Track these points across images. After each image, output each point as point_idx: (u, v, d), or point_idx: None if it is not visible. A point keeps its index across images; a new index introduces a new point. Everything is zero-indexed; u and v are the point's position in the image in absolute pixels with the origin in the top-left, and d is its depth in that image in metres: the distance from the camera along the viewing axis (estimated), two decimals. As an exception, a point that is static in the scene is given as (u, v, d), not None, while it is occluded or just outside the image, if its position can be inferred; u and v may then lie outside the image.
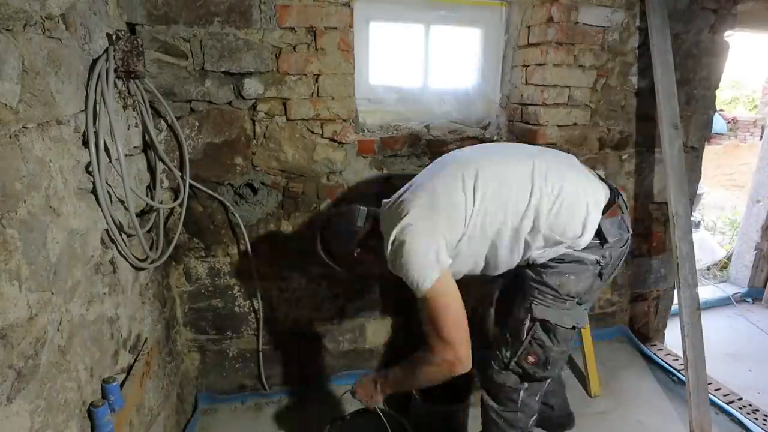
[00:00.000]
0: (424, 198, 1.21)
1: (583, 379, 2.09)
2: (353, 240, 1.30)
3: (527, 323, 1.26)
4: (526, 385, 1.33)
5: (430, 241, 1.16)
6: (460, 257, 1.24)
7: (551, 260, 1.25)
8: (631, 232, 1.29)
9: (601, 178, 1.33)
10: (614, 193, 1.29)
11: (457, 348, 1.16)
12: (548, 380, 1.36)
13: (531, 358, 1.28)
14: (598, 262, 1.22)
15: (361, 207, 1.34)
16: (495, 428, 1.39)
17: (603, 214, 1.22)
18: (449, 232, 1.18)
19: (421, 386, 1.29)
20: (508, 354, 1.31)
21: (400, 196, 1.28)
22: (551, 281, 1.23)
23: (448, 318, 1.16)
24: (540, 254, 1.24)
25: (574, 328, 1.26)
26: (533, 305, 1.25)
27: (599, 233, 1.21)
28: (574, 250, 1.23)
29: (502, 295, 1.68)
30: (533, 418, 1.39)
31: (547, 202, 1.18)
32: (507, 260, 1.27)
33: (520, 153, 1.32)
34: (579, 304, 1.25)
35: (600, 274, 1.24)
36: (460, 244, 1.20)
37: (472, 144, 1.98)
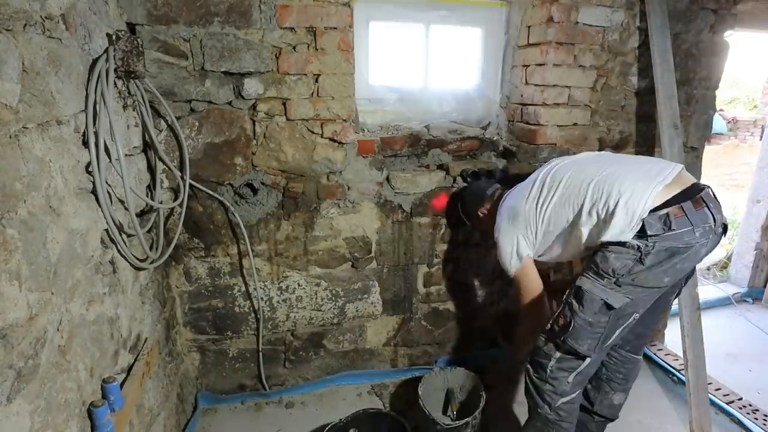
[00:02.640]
0: (514, 201, 1.58)
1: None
2: (480, 203, 1.77)
3: (569, 290, 1.39)
4: (558, 354, 1.37)
5: (511, 239, 1.55)
6: (541, 247, 1.56)
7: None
8: (700, 231, 1.26)
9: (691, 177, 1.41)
10: (693, 189, 1.31)
11: (534, 304, 1.55)
12: (582, 361, 1.36)
13: (561, 320, 1.36)
14: (638, 248, 1.26)
15: (495, 185, 1.80)
16: (527, 392, 1.50)
17: (664, 207, 1.26)
18: (525, 231, 1.53)
19: (530, 341, 1.53)
20: (550, 323, 1.42)
21: (509, 192, 1.66)
22: (596, 257, 1.34)
23: (527, 293, 1.56)
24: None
25: (602, 301, 1.29)
26: (579, 278, 1.37)
27: (643, 228, 1.26)
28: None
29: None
30: (562, 399, 1.40)
31: (598, 209, 1.35)
32: (574, 252, 1.52)
33: (601, 162, 1.49)
34: (617, 284, 1.29)
35: (641, 260, 1.27)
36: (537, 239, 1.53)
37: (472, 144, 1.98)
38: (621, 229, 1.28)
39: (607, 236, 1.30)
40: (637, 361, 1.62)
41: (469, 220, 1.85)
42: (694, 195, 1.29)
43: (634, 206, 1.27)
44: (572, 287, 1.37)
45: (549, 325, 1.40)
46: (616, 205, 1.29)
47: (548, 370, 1.39)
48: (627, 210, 1.28)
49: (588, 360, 1.35)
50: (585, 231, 1.39)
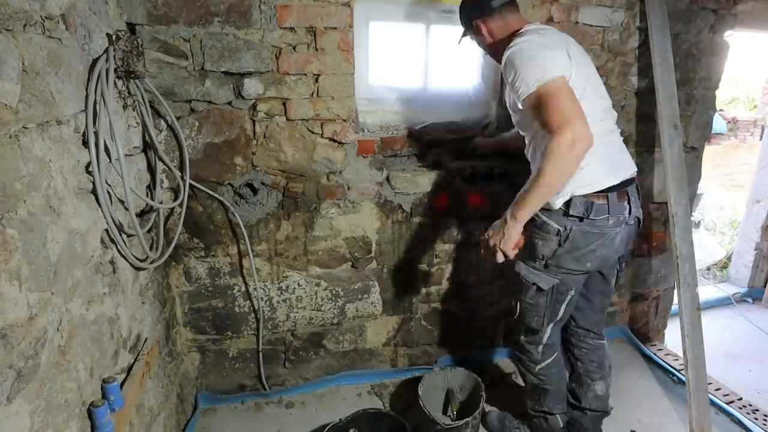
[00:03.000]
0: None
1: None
2: (477, 14, 1.48)
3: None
4: (522, 330, 1.58)
5: (543, 50, 1.27)
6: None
7: (531, 221, 1.38)
8: (614, 219, 1.37)
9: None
10: (627, 182, 1.41)
11: (575, 124, 1.19)
12: (539, 335, 1.55)
13: (513, 302, 1.57)
14: (558, 231, 1.38)
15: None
16: (517, 366, 1.71)
17: (588, 193, 1.34)
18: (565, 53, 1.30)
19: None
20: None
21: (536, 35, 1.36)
22: (532, 242, 1.44)
23: (561, 103, 1.21)
24: None
25: (534, 285, 1.46)
26: (518, 261, 1.49)
27: (568, 204, 1.36)
28: (543, 212, 1.39)
29: None
30: (538, 365, 1.59)
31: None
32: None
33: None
34: (546, 266, 1.43)
35: (560, 243, 1.39)
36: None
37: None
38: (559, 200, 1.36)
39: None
40: (603, 344, 1.70)
41: (464, 26, 1.57)
42: (622, 187, 1.39)
43: (583, 180, 1.33)
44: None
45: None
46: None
47: (521, 344, 1.60)
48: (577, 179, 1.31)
49: (545, 332, 1.54)
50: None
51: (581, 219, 1.35)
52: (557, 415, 1.64)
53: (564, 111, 1.20)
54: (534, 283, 1.45)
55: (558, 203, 1.37)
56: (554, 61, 1.26)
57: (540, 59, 1.25)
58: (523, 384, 1.72)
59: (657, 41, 1.87)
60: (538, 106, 1.24)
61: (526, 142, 1.51)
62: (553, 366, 1.60)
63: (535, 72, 1.24)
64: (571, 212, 1.35)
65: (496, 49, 1.46)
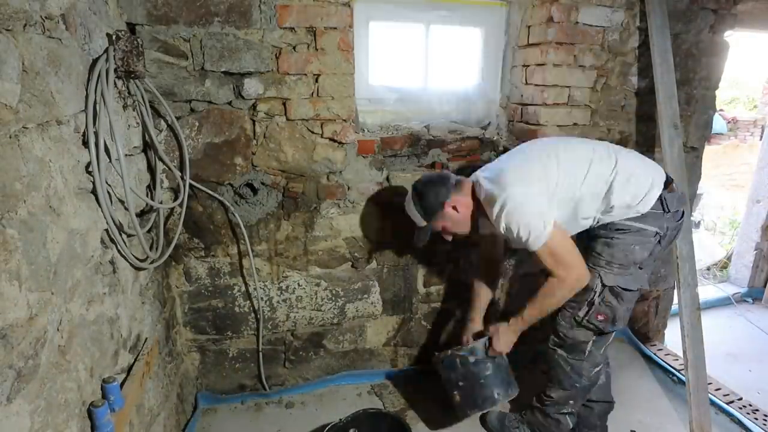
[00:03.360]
0: (521, 170, 1.46)
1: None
2: (445, 194, 1.52)
3: (597, 289, 1.48)
4: (595, 338, 1.55)
5: (535, 204, 1.39)
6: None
7: (617, 231, 1.45)
8: (686, 208, 1.51)
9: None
10: (668, 175, 1.52)
11: (579, 269, 1.43)
12: (613, 333, 1.56)
13: (601, 317, 1.51)
14: (657, 233, 1.43)
15: (451, 174, 1.60)
16: (563, 374, 1.62)
17: (664, 188, 1.44)
18: (545, 195, 1.42)
19: (552, 310, 1.52)
20: (580, 314, 1.53)
21: (495, 170, 1.51)
22: (618, 253, 1.45)
23: (566, 253, 1.42)
24: (611, 215, 1.46)
25: (638, 290, 1.49)
26: (602, 274, 1.47)
27: (662, 203, 1.42)
28: (637, 220, 1.43)
29: None
30: (597, 368, 1.60)
31: (607, 171, 1.42)
32: (586, 220, 1.51)
33: (579, 141, 1.59)
34: (640, 269, 1.48)
35: (659, 242, 1.45)
36: (552, 206, 1.43)
37: (472, 144, 1.98)
38: (636, 200, 1.41)
39: (620, 206, 1.41)
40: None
41: (430, 219, 1.55)
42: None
43: (649, 180, 1.42)
44: (597, 287, 1.47)
45: (586, 322, 1.52)
46: (630, 176, 1.41)
47: (587, 352, 1.56)
48: (644, 181, 1.41)
49: (612, 333, 1.55)
50: (594, 201, 1.43)
51: (677, 211, 1.45)
52: (568, 415, 1.67)
53: (568, 262, 1.41)
54: (638, 288, 1.48)
55: (646, 206, 1.41)
56: (542, 206, 1.40)
57: (534, 212, 1.39)
58: (554, 393, 1.66)
59: (657, 41, 1.87)
60: (544, 257, 1.41)
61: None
62: (602, 369, 1.64)
63: (536, 227, 1.37)
64: (670, 209, 1.42)
65: (467, 221, 1.56)
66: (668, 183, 1.47)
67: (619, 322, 1.51)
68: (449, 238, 1.63)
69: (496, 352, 1.64)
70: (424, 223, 1.56)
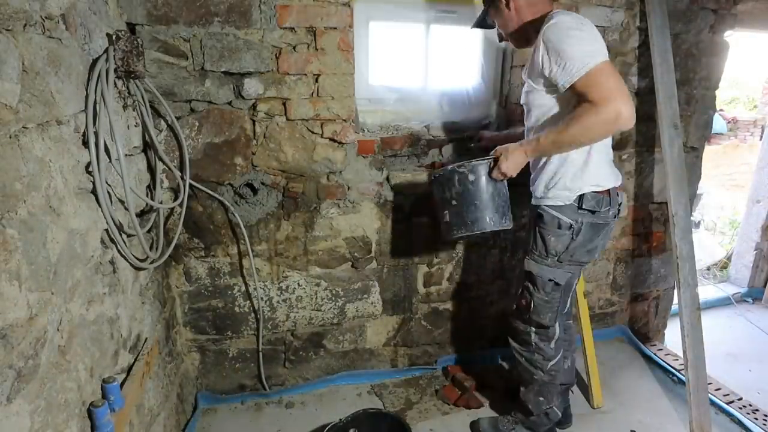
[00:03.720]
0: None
1: (585, 389, 2.07)
2: None
3: (522, 274, 1.59)
4: (533, 329, 1.59)
5: (592, 31, 1.27)
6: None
7: (539, 217, 1.50)
8: (613, 211, 1.48)
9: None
10: (615, 187, 1.51)
11: (624, 103, 1.21)
12: (551, 330, 1.58)
13: (523, 302, 1.59)
14: (571, 225, 1.45)
15: None
16: (520, 366, 1.68)
17: (592, 191, 1.44)
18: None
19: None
20: (514, 303, 1.63)
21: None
22: (540, 239, 1.50)
23: (616, 81, 1.23)
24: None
25: (551, 281, 1.51)
26: (526, 259, 1.57)
27: (580, 199, 1.43)
28: (554, 209, 1.46)
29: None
30: (551, 362, 1.61)
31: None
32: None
33: None
34: (559, 261, 1.50)
35: (573, 236, 1.46)
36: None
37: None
38: (576, 184, 1.42)
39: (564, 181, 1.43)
40: (572, 324, 1.82)
41: (488, 4, 1.51)
42: None
43: (594, 178, 1.43)
44: (523, 272, 1.58)
45: (515, 306, 1.63)
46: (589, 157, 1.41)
47: (533, 343, 1.61)
48: (592, 172, 1.42)
49: (556, 328, 1.59)
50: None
51: (593, 212, 1.44)
52: (554, 407, 1.69)
53: (614, 89, 1.21)
54: (551, 279, 1.51)
55: (570, 198, 1.44)
56: (601, 44, 1.27)
57: (588, 40, 1.25)
58: (522, 388, 1.70)
59: (657, 41, 1.87)
60: (588, 86, 1.22)
61: (534, 118, 1.49)
62: (561, 360, 1.65)
63: (585, 52, 1.22)
64: (584, 206, 1.43)
65: (520, 31, 1.45)
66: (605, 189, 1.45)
67: (537, 312, 1.54)
68: (502, 39, 1.56)
69: (501, 174, 1.44)
70: (484, 5, 1.53)
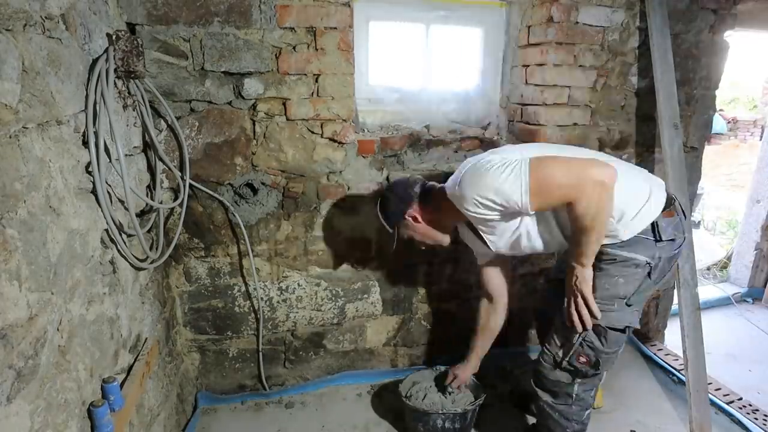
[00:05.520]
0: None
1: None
2: (406, 203, 1.40)
3: (579, 328, 1.31)
4: (579, 380, 1.38)
5: (494, 159, 1.20)
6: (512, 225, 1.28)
7: (602, 261, 1.27)
8: (686, 235, 1.30)
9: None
10: (670, 195, 1.32)
11: (588, 171, 1.13)
12: (603, 375, 1.40)
13: (582, 359, 1.34)
14: (648, 263, 1.23)
15: (417, 179, 1.46)
16: (551, 421, 1.46)
17: (663, 210, 1.24)
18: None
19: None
20: (560, 354, 1.37)
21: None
22: (599, 286, 1.27)
23: (559, 171, 1.14)
24: None
25: (624, 330, 1.29)
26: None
27: (654, 229, 1.22)
28: (622, 247, 1.24)
29: (553, 297, 1.59)
30: (588, 411, 1.44)
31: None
32: (558, 237, 1.30)
33: (578, 148, 1.42)
34: (627, 305, 1.27)
35: (649, 275, 1.25)
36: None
37: (472, 143, 1.98)
38: (622, 216, 1.22)
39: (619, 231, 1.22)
40: None
41: (390, 225, 1.49)
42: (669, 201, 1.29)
43: (645, 195, 1.22)
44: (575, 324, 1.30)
45: (566, 364, 1.37)
46: (649, 197, 1.22)
47: (574, 396, 1.40)
48: (639, 195, 1.22)
49: (603, 373, 1.37)
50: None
51: (673, 240, 1.24)
52: None
53: (568, 173, 1.13)
54: (627, 326, 1.29)
55: (636, 230, 1.23)
56: (512, 154, 1.21)
57: (499, 165, 1.17)
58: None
59: (657, 41, 1.87)
60: (541, 192, 1.14)
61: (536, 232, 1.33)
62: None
63: (510, 175, 1.15)
64: (663, 237, 1.22)
65: (434, 232, 1.44)
66: (668, 204, 1.28)
67: (603, 366, 1.34)
68: (424, 247, 1.51)
69: (578, 292, 1.26)
70: (390, 230, 1.48)
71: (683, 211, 1.33)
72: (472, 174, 1.22)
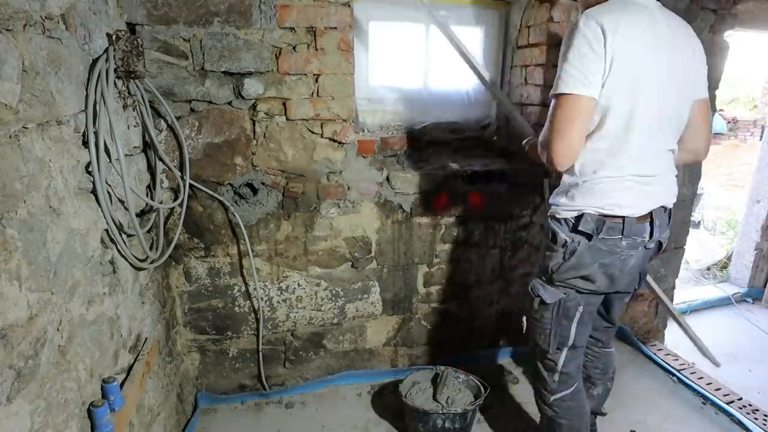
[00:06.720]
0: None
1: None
2: None
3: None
4: (537, 351, 1.44)
5: (594, 62, 1.13)
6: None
7: (544, 233, 1.41)
8: (628, 242, 1.25)
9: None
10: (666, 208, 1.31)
11: (558, 149, 1.18)
12: (554, 361, 1.41)
13: (524, 318, 1.46)
14: (564, 243, 1.29)
15: None
16: (534, 391, 1.53)
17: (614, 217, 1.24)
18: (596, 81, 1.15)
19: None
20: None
21: None
22: (543, 254, 1.38)
23: (560, 120, 1.17)
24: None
25: (539, 297, 1.36)
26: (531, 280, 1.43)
27: (579, 218, 1.25)
28: (557, 215, 1.31)
29: None
30: (554, 396, 1.44)
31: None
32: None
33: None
34: (550, 282, 1.34)
35: (564, 257, 1.29)
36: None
37: (472, 143, 1.98)
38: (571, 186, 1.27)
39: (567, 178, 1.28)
40: (610, 353, 1.62)
41: None
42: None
43: (600, 199, 1.23)
44: None
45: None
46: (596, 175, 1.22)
47: (538, 371, 1.47)
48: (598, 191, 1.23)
49: (559, 358, 1.39)
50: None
51: (589, 237, 1.25)
52: None
53: (556, 129, 1.17)
54: (538, 295, 1.36)
55: (567, 214, 1.28)
56: (591, 76, 1.14)
57: (576, 69, 1.14)
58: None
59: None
60: (551, 107, 1.21)
61: None
62: (570, 399, 1.45)
63: (564, 79, 1.16)
64: (580, 227, 1.25)
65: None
66: (647, 215, 1.25)
67: (530, 333, 1.41)
68: None
69: None
70: None
71: (642, 227, 1.28)
72: (577, 40, 1.17)
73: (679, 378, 2.14)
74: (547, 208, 1.39)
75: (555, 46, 1.82)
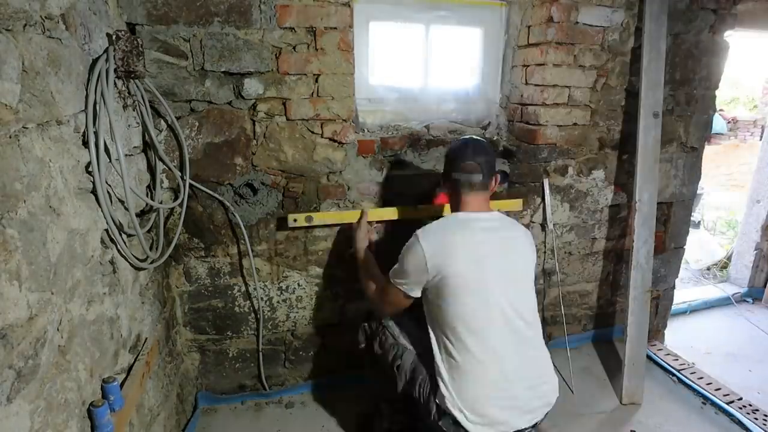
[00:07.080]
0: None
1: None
2: (448, 174, 1.48)
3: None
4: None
5: (416, 266, 1.35)
6: None
7: None
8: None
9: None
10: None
11: (380, 306, 1.56)
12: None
13: None
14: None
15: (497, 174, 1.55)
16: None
17: None
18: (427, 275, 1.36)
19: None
20: None
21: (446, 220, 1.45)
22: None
23: (380, 298, 1.53)
24: None
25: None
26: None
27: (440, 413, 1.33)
28: None
29: None
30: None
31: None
32: None
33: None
34: None
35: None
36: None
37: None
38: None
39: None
40: None
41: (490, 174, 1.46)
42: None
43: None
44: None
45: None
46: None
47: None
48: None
49: None
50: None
51: None
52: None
53: (378, 295, 1.53)
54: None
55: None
56: (413, 275, 1.36)
57: (405, 266, 1.38)
58: None
59: (649, 27, 1.85)
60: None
61: None
62: None
63: (398, 271, 1.42)
64: (440, 423, 1.31)
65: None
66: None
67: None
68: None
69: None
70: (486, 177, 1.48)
71: None
72: (410, 243, 1.41)
73: (679, 378, 2.14)
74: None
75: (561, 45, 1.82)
